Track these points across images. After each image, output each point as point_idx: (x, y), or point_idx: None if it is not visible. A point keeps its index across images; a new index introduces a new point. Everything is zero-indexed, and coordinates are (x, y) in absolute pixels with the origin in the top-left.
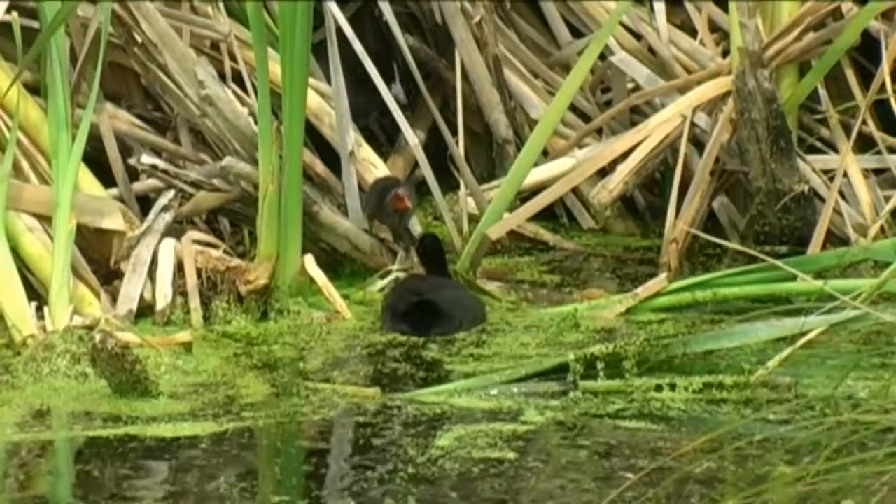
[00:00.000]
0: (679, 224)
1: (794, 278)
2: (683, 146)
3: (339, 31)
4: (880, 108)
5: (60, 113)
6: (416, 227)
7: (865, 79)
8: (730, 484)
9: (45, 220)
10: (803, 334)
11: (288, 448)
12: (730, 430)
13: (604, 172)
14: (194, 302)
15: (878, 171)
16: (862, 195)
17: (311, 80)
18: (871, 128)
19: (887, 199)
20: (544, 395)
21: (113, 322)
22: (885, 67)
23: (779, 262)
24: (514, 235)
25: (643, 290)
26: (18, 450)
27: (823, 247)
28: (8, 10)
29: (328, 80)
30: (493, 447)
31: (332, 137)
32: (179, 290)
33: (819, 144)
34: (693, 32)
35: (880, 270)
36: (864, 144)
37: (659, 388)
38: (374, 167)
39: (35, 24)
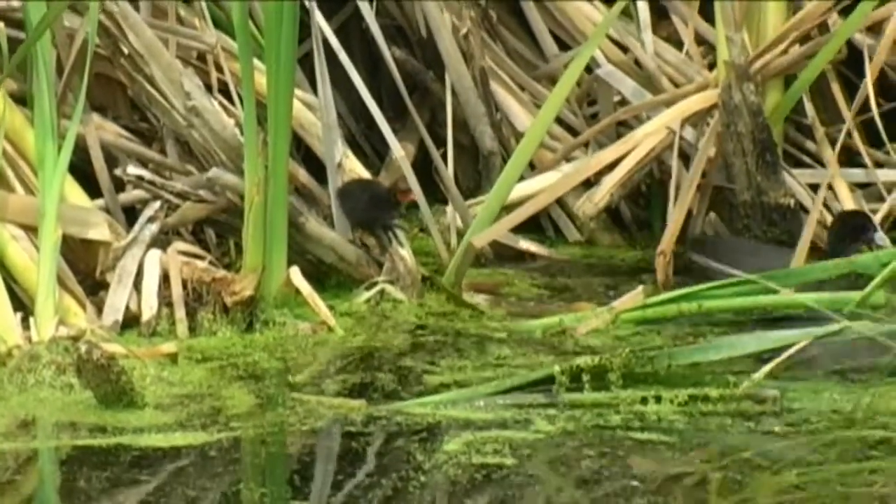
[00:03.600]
0: (666, 237)
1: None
2: (675, 160)
3: (326, 42)
4: (866, 121)
5: (47, 123)
6: (401, 236)
7: (851, 92)
8: (715, 495)
9: (31, 230)
10: (788, 347)
11: (275, 459)
12: (715, 443)
13: (589, 184)
14: (180, 313)
15: (864, 185)
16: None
17: (298, 92)
18: (857, 141)
19: (873, 212)
20: (530, 406)
21: (98, 333)
22: (869, 82)
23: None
24: (503, 249)
25: (619, 304)
26: (3, 460)
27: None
28: None
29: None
30: (485, 456)
31: (319, 148)
32: (165, 301)
33: (805, 158)
34: (679, 45)
35: (864, 283)
36: (851, 158)
37: (644, 400)
38: None
39: (22, 35)
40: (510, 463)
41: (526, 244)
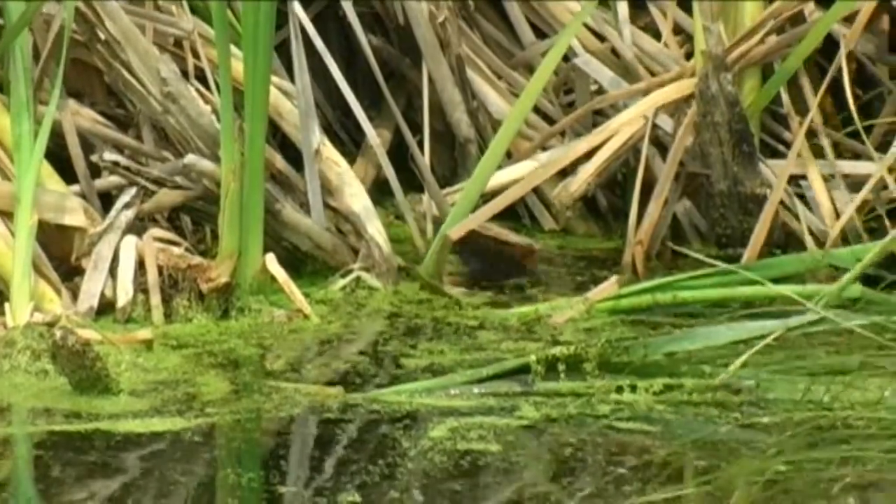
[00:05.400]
0: (643, 227)
1: (755, 282)
2: (645, 148)
3: (303, 29)
4: (846, 113)
5: (23, 109)
6: (375, 223)
7: (830, 83)
8: (691, 485)
9: (6, 216)
10: (763, 337)
11: (255, 445)
12: (694, 431)
13: (565, 173)
14: (155, 299)
15: (842, 176)
16: (822, 201)
17: (275, 79)
18: (837, 133)
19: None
20: (505, 395)
21: (73, 319)
22: (846, 73)
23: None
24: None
25: (594, 294)
26: None
27: (763, 249)
28: None
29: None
30: (470, 442)
31: (296, 136)
32: (140, 287)
33: (782, 149)
34: (657, 35)
35: (840, 277)
36: (832, 151)
37: (620, 389)
38: (338, 166)
39: None
40: (490, 450)
41: (501, 233)
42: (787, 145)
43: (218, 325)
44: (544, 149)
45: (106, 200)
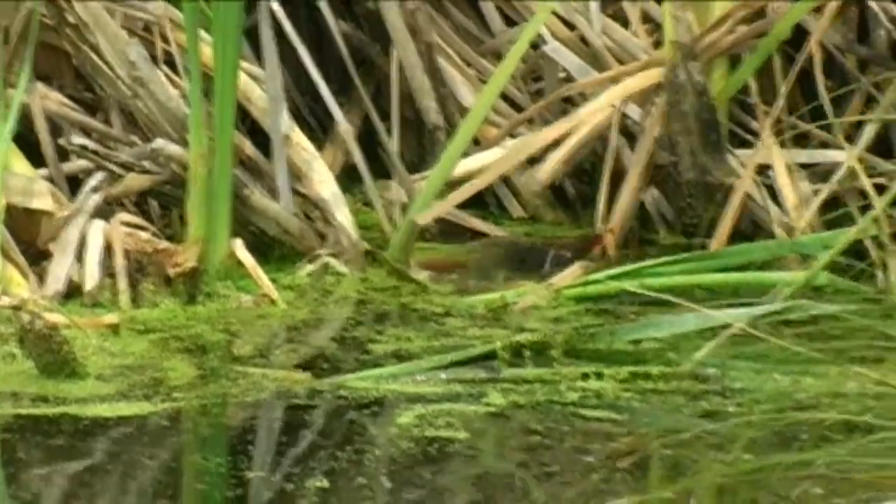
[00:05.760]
0: (614, 215)
1: (722, 269)
2: (614, 135)
3: (273, 14)
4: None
5: None
6: (343, 209)
7: (799, 73)
8: (655, 475)
9: None
10: (730, 325)
11: (223, 430)
12: (661, 420)
13: (533, 161)
14: (122, 284)
15: (809, 166)
16: (787, 192)
17: (244, 64)
18: (805, 122)
19: (817, 193)
20: (472, 382)
21: (41, 303)
22: (817, 64)
23: None
24: (448, 225)
25: (558, 280)
26: None
27: (730, 238)
28: None
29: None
30: (438, 429)
31: (264, 121)
32: (107, 271)
33: (751, 138)
34: (626, 24)
35: (807, 265)
36: (801, 140)
37: (586, 376)
38: (307, 152)
39: None
40: (461, 436)
41: (471, 221)
42: (756, 135)
43: (185, 309)
44: (512, 136)
45: (74, 184)
